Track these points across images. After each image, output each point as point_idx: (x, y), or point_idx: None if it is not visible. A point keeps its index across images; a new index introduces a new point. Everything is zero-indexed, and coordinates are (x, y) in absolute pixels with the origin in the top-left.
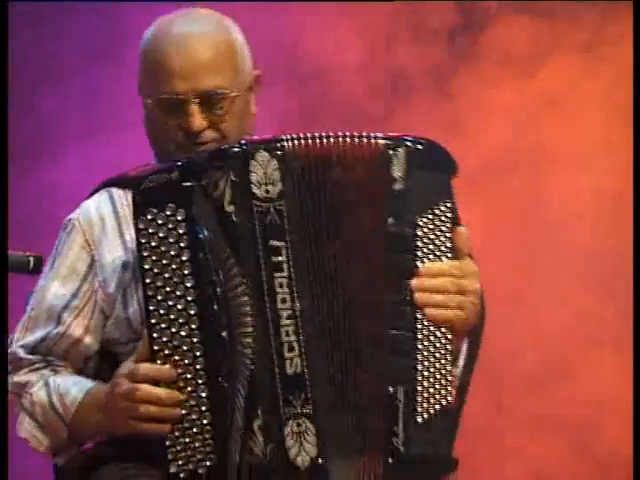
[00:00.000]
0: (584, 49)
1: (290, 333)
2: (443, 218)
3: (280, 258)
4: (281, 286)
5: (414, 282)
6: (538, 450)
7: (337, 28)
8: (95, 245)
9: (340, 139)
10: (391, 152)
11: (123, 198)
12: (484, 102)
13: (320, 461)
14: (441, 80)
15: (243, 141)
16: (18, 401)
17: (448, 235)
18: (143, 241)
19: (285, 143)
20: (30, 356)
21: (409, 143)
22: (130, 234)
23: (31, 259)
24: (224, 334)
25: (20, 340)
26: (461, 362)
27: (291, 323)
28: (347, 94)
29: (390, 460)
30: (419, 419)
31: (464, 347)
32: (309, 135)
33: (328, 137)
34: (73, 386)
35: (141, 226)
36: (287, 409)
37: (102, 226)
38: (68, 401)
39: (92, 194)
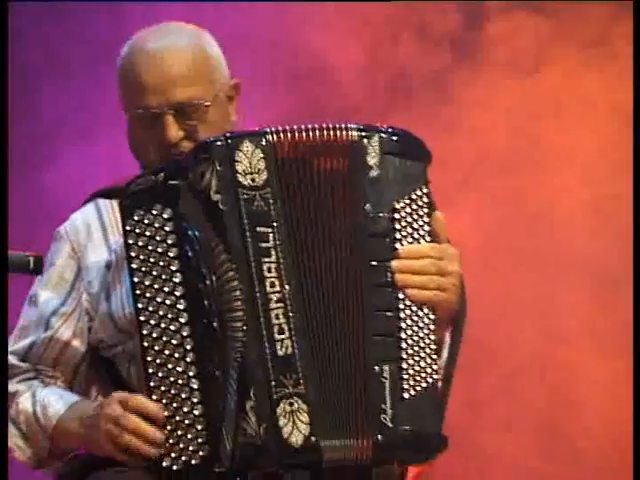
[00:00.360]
0: (585, 48)
1: (280, 316)
2: (420, 203)
3: (267, 244)
4: (269, 271)
5: (395, 264)
6: (515, 451)
7: (338, 27)
8: (81, 252)
9: (319, 131)
10: (366, 141)
11: (109, 207)
12: (485, 101)
13: (313, 439)
14: (442, 79)
15: (228, 134)
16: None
17: (425, 219)
18: (131, 242)
19: (268, 135)
20: (21, 364)
21: (383, 133)
22: (114, 238)
23: (31, 259)
24: (215, 324)
25: (11, 347)
26: (445, 354)
27: (281, 306)
28: (348, 93)
29: (379, 437)
30: (405, 395)
31: (447, 338)
32: (291, 127)
33: (308, 129)
34: (58, 399)
35: (128, 228)
36: (279, 389)
37: (88, 232)
38: (50, 413)
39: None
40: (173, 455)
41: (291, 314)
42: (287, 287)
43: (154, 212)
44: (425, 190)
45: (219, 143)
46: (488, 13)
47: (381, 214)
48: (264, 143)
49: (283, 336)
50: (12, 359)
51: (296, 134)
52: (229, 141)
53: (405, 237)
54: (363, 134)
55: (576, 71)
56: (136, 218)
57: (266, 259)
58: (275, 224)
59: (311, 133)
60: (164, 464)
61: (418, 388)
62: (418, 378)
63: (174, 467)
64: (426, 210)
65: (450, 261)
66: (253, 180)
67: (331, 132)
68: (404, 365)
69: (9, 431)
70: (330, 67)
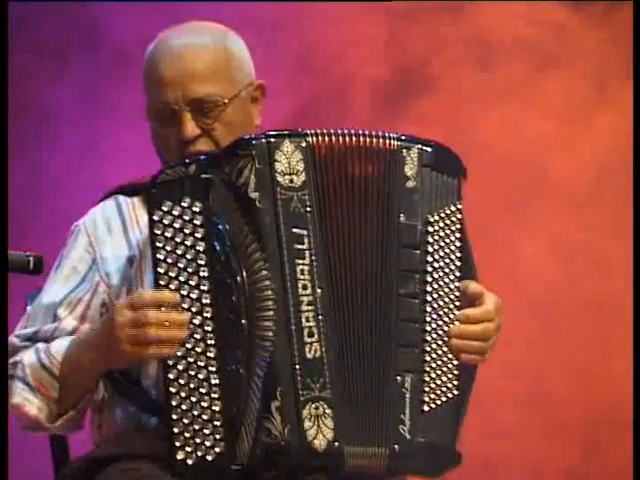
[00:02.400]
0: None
1: (310, 319)
2: (453, 219)
3: (302, 246)
4: (302, 273)
5: (454, 329)
6: None
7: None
8: (99, 245)
9: (359, 136)
10: (405, 152)
11: (129, 203)
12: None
13: (337, 445)
14: (451, 76)
15: (267, 132)
16: (12, 377)
17: (457, 235)
18: (158, 232)
19: (309, 137)
20: (25, 342)
21: (421, 145)
22: (135, 234)
23: (31, 259)
24: (243, 321)
25: (15, 332)
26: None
27: (311, 309)
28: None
29: (396, 447)
30: (425, 408)
31: None
32: (331, 131)
33: (348, 133)
34: (61, 340)
35: (156, 218)
36: (306, 392)
37: (107, 227)
38: (54, 350)
39: (99, 202)
40: (188, 449)
41: (321, 318)
42: (319, 291)
43: (183, 204)
44: (459, 206)
45: (260, 141)
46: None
47: (414, 226)
48: (304, 145)
49: (312, 339)
50: (16, 341)
51: (335, 138)
52: (270, 140)
53: (437, 251)
54: (402, 144)
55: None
56: (164, 209)
57: (300, 261)
58: (310, 227)
59: (353, 138)
60: (178, 457)
61: (438, 402)
62: (439, 392)
63: (188, 461)
64: (459, 226)
65: (499, 315)
66: (291, 181)
67: (372, 139)
68: (426, 377)
69: (16, 389)
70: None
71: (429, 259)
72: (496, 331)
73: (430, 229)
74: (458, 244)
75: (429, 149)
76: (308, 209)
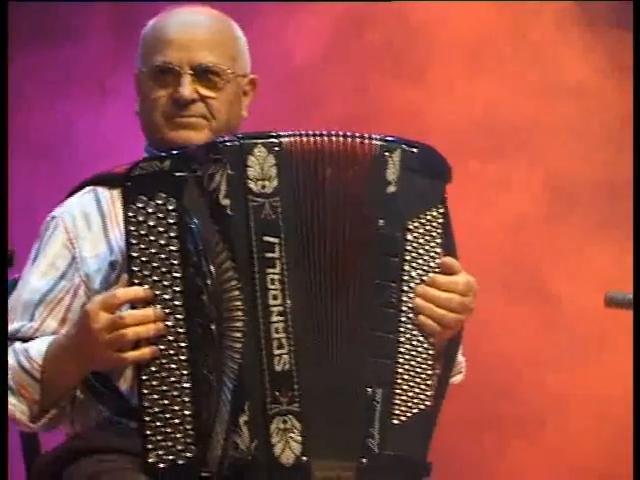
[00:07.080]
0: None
1: (280, 330)
2: (434, 224)
3: (273, 254)
4: (273, 282)
5: (420, 289)
6: None
7: None
8: (78, 243)
9: (336, 138)
10: (387, 154)
11: (108, 197)
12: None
13: (304, 459)
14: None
15: (240, 135)
16: None
17: (438, 241)
18: (132, 229)
19: (283, 139)
20: None
21: (405, 146)
22: (115, 234)
23: None
24: (212, 327)
25: None
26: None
27: (281, 320)
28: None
29: (363, 460)
30: (395, 421)
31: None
32: (306, 132)
33: (324, 135)
34: (39, 342)
35: (130, 214)
36: (274, 405)
37: (86, 224)
38: (33, 353)
39: (76, 191)
40: (160, 452)
41: (291, 329)
42: (289, 301)
43: (158, 202)
44: (441, 210)
45: (232, 145)
46: None
47: (393, 233)
48: (277, 149)
49: (282, 351)
50: None
51: (311, 140)
52: (242, 144)
53: (415, 259)
54: (385, 147)
55: None
56: (139, 205)
57: (270, 270)
58: (282, 235)
59: (333, 139)
60: (150, 460)
61: (409, 414)
62: (410, 404)
63: (160, 464)
64: (440, 231)
65: (473, 298)
66: (263, 187)
67: (354, 140)
68: (398, 390)
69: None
70: None
71: (407, 268)
72: (464, 308)
73: (409, 236)
74: (438, 250)
75: (413, 152)
76: (280, 216)
